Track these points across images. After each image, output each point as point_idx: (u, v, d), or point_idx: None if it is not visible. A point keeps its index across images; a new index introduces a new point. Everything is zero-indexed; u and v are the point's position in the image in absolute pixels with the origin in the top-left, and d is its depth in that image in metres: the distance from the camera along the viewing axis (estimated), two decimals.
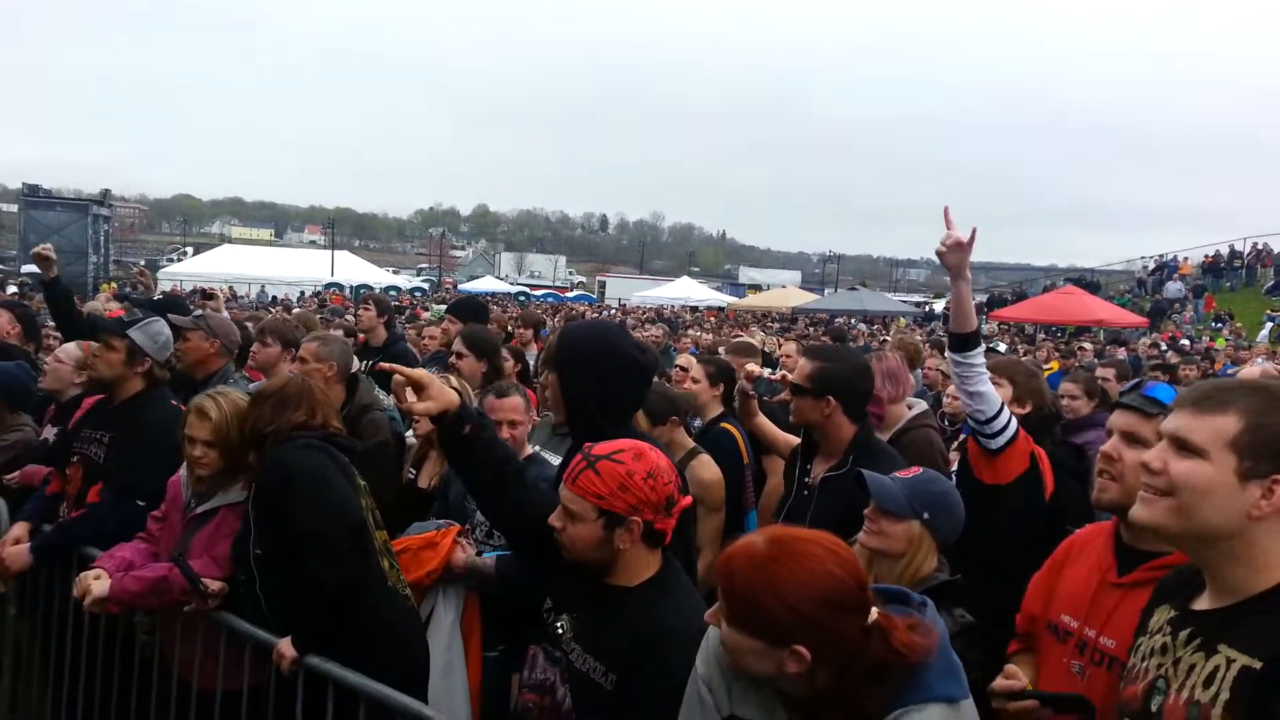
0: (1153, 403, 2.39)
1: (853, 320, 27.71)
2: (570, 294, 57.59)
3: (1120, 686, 1.87)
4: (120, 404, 4.10)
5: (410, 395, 2.49)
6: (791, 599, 1.73)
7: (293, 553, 2.98)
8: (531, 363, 7.20)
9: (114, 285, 25.56)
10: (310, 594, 2.97)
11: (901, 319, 28.97)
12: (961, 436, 4.75)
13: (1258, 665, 1.53)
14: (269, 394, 3.28)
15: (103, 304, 11.97)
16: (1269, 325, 25.14)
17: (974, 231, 3.17)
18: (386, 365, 2.67)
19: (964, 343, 3.26)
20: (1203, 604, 1.73)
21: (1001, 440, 3.31)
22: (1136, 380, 2.62)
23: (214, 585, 3.24)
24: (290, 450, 3.10)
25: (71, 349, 5.03)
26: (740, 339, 8.06)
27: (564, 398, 2.78)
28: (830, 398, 3.41)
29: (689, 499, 2.38)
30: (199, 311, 5.08)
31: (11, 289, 21.28)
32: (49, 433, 4.80)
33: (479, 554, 3.51)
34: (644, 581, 2.25)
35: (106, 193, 40.64)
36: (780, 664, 1.76)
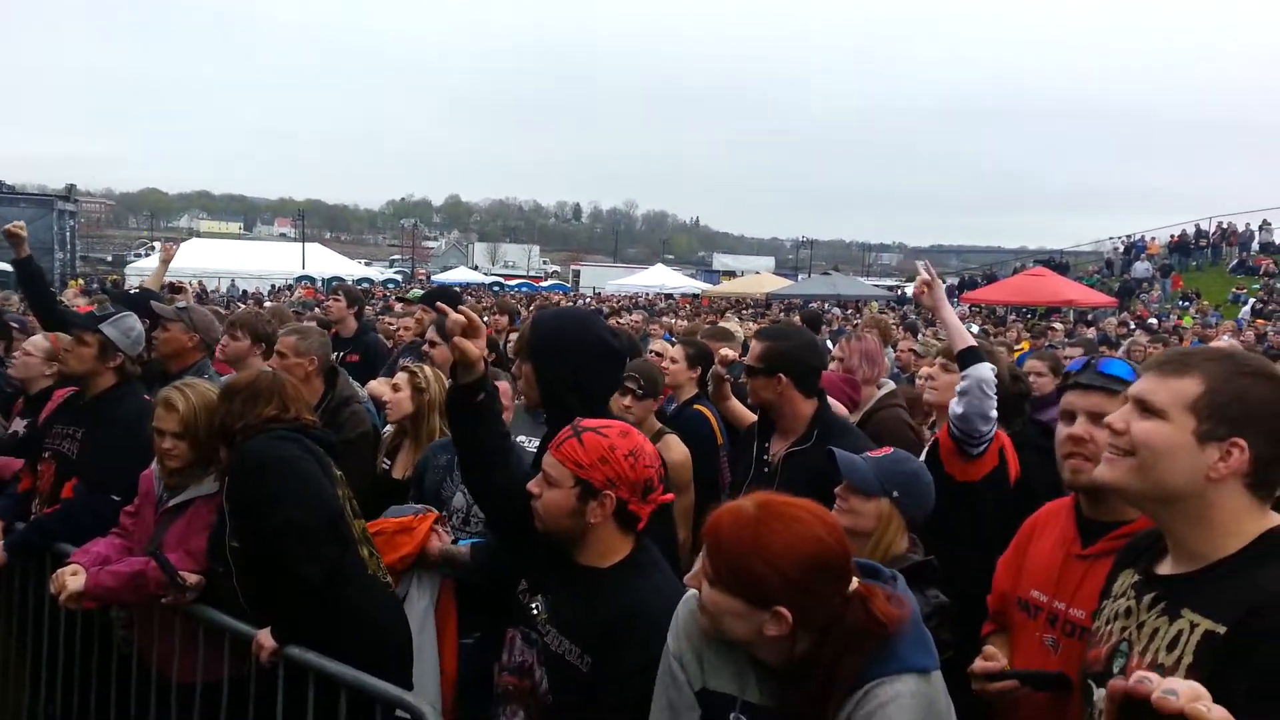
0: (1115, 380, 2.43)
1: (826, 304, 27.84)
2: (545, 283, 57.36)
3: (1085, 649, 1.91)
4: (92, 399, 4.07)
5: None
6: (778, 560, 1.76)
7: (270, 545, 2.97)
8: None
9: (81, 281, 25.18)
10: (290, 585, 2.96)
11: (874, 303, 29.16)
12: (932, 418, 4.81)
13: (1221, 630, 1.55)
14: (239, 388, 3.23)
15: (70, 300, 11.82)
16: (1250, 302, 25.29)
17: (928, 266, 3.67)
18: (444, 306, 2.62)
19: (968, 359, 3.37)
20: (1166, 568, 1.76)
21: (983, 447, 3.39)
22: (1087, 359, 2.65)
23: (191, 578, 3.22)
24: (262, 443, 3.07)
25: (40, 340, 4.97)
26: (717, 324, 8.10)
27: (538, 385, 2.77)
28: (781, 375, 3.45)
29: (671, 496, 2.40)
30: (181, 304, 5.02)
31: None
32: (18, 425, 4.75)
33: (454, 541, 3.51)
34: (616, 563, 2.27)
35: (72, 188, 40.06)
36: (759, 627, 1.78)
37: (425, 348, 5.16)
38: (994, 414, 3.36)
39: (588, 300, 34.12)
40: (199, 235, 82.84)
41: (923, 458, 3.66)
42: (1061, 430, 2.49)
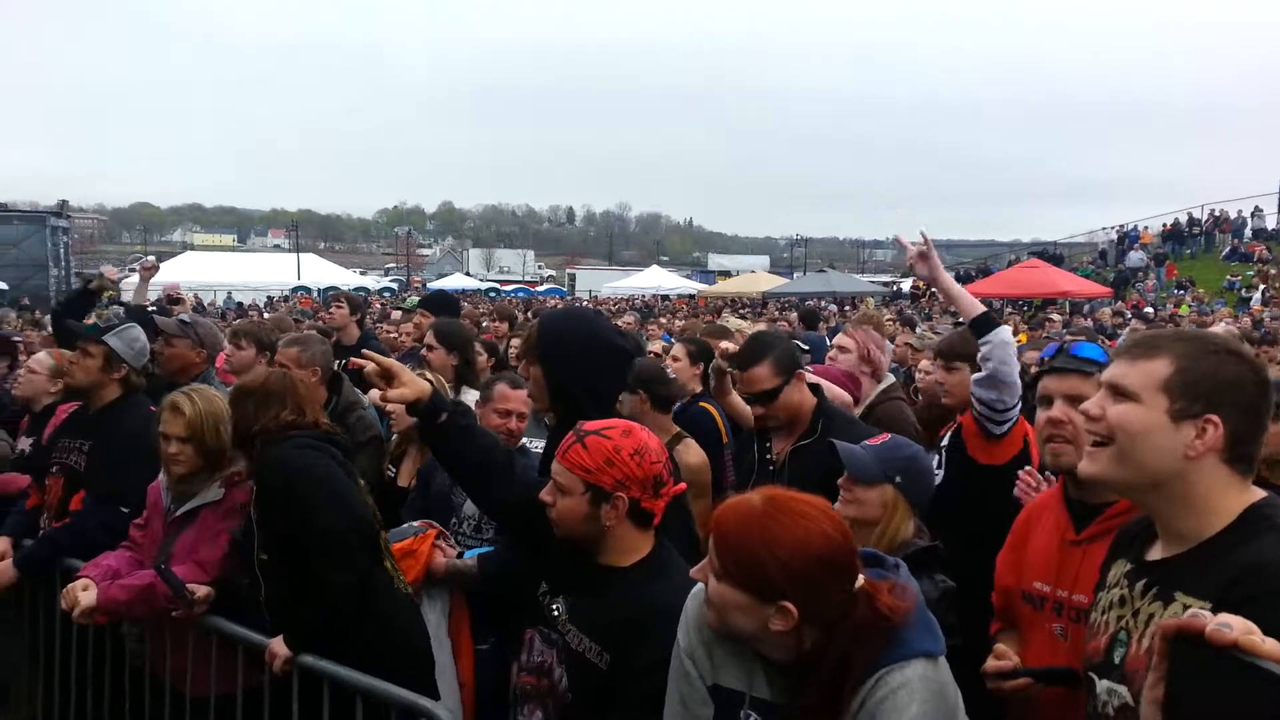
0: (1088, 362, 2.47)
1: (823, 302, 27.86)
2: (541, 288, 57.39)
3: (1085, 641, 1.91)
4: (98, 411, 4.07)
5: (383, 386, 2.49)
6: (785, 554, 1.77)
7: (301, 555, 2.94)
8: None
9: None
10: (321, 596, 2.93)
11: (870, 299, 29.19)
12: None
13: (1208, 607, 1.54)
14: (249, 390, 3.20)
15: None
16: (1261, 289, 25.09)
17: (924, 236, 3.41)
18: (358, 360, 2.62)
19: (982, 327, 3.26)
20: (1156, 554, 1.77)
21: (1007, 426, 3.33)
22: (1058, 345, 2.68)
23: (200, 591, 3.21)
24: (289, 451, 3.05)
25: (44, 357, 4.98)
26: (715, 323, 8.13)
27: (548, 387, 2.77)
28: (799, 373, 3.45)
29: (683, 485, 2.40)
30: (184, 316, 4.97)
31: None
32: (24, 444, 4.75)
33: (460, 555, 3.48)
34: (637, 562, 2.28)
35: (64, 204, 39.80)
36: (765, 621, 1.79)
37: (424, 353, 5.17)
38: (1014, 379, 3.25)
39: (585, 304, 34.09)
40: (193, 249, 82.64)
41: (945, 443, 3.66)
42: (1040, 415, 2.52)
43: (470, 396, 4.77)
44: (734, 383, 4.49)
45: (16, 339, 7.10)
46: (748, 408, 4.47)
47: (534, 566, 2.51)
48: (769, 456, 3.54)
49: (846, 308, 25.36)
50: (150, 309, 6.81)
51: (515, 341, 8.14)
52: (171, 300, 7.72)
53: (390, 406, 4.14)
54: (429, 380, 3.29)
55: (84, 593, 3.22)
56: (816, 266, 59.36)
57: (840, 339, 4.85)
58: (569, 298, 45.50)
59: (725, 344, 4.79)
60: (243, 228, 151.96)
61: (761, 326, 8.54)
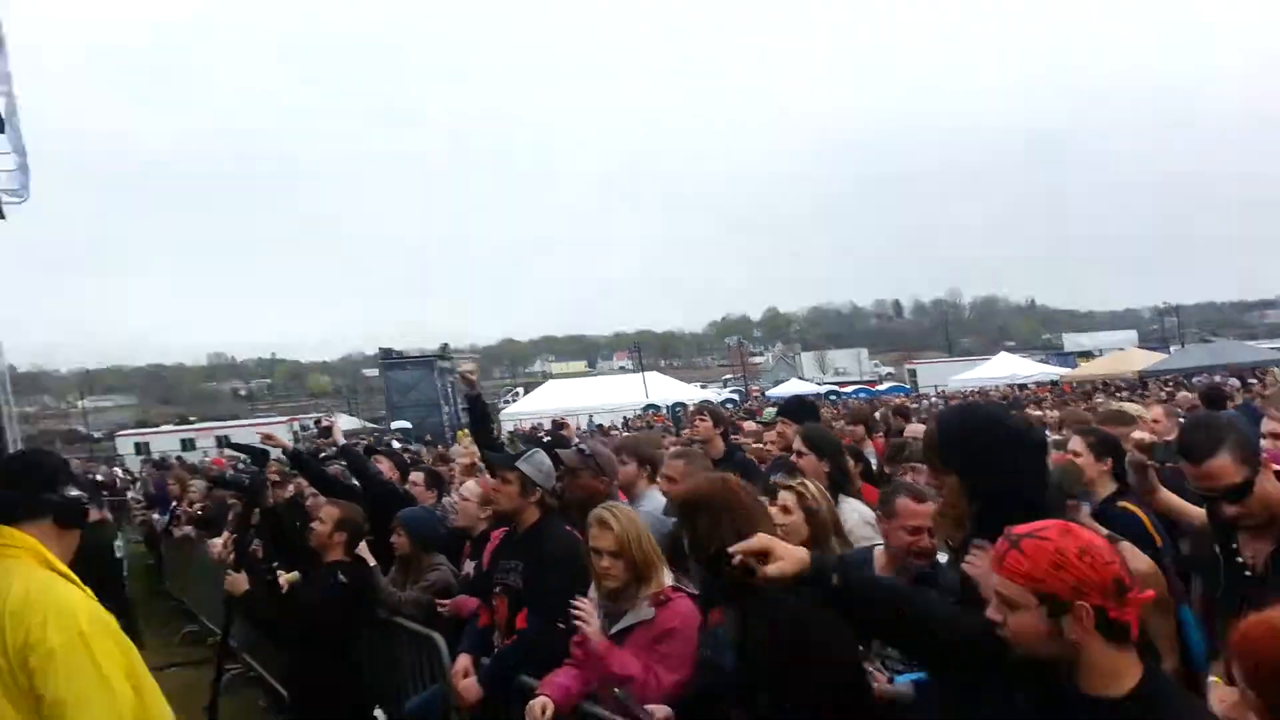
0: None
1: (1217, 377, 24.43)
2: (881, 386, 56.14)
3: None
4: (523, 533, 4.45)
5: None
6: None
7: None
8: (873, 461, 7.00)
9: (467, 430, 28.45)
10: None
11: (1276, 369, 25.14)
12: None
13: None
14: (699, 504, 2.99)
15: (464, 449, 13.33)
16: None
17: None
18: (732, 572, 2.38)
19: None
20: None
21: None
22: None
23: (659, 713, 3.17)
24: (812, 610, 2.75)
25: (473, 486, 5.62)
26: (1110, 408, 7.35)
27: (968, 495, 2.59)
28: (1260, 461, 2.98)
29: (1150, 592, 2.12)
30: (581, 446, 5.28)
31: (396, 444, 24.35)
32: (468, 567, 5.32)
33: (890, 680, 3.29)
34: (1131, 691, 2.01)
35: (445, 346, 45.80)
36: None
37: (794, 459, 5.14)
38: None
39: (932, 400, 32.73)
40: (552, 377, 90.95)
41: None
42: None
43: (848, 505, 4.65)
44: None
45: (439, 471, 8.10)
46: (1190, 506, 3.93)
47: (994, 695, 2.29)
48: (1240, 560, 3.05)
49: (1251, 381, 21.96)
50: (543, 436, 7.53)
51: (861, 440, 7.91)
52: (558, 426, 8.50)
53: (782, 520, 4.13)
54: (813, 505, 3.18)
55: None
56: (1195, 336, 52.62)
57: (1269, 424, 4.15)
58: (913, 394, 43.92)
59: (1138, 434, 4.29)
60: (590, 353, 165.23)
61: (1158, 410, 7.58)
